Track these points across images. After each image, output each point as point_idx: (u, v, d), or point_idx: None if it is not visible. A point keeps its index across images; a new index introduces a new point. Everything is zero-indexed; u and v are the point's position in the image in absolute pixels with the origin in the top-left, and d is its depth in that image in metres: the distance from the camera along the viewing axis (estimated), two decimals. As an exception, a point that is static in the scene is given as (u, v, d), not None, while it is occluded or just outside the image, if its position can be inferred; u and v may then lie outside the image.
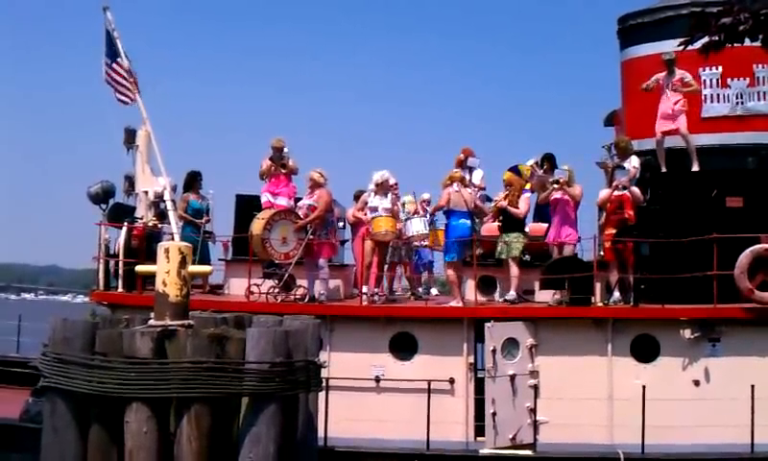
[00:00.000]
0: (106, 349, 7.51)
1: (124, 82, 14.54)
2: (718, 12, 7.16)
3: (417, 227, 14.28)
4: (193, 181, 15.35)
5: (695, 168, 14.56)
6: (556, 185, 13.81)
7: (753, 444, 12.42)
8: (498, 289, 14.35)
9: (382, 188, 14.36)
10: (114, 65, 14.63)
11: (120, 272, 14.26)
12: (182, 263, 8.16)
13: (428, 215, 15.19)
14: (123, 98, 14.58)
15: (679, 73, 14.48)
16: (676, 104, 14.54)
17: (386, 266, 14.47)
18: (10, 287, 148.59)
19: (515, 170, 14.78)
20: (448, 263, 13.84)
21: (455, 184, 13.88)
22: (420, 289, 15.97)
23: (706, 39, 7.43)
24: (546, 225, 14.52)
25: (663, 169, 14.79)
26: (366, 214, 14.60)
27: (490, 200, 15.37)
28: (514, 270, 13.80)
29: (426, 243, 14.92)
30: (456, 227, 13.75)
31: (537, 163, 15.23)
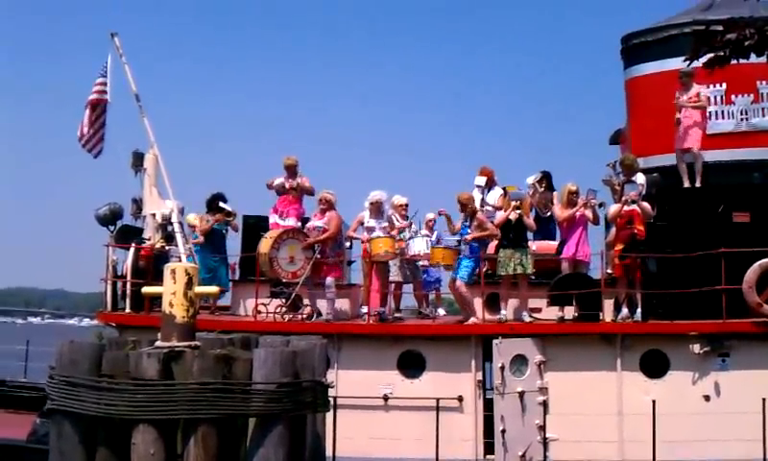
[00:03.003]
0: (113, 371, 7.47)
1: (91, 132, 15.10)
2: (723, 28, 7.16)
3: (419, 246, 14.26)
4: (213, 203, 15.43)
5: (698, 184, 14.52)
6: (590, 202, 13.86)
7: (765, 458, 12.36)
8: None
9: (376, 208, 14.39)
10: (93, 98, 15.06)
11: (128, 292, 14.31)
12: (189, 284, 8.14)
13: (432, 237, 15.15)
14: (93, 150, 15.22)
15: (695, 88, 14.45)
16: (690, 120, 14.52)
17: (391, 285, 14.46)
18: (16, 311, 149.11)
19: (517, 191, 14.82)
20: (463, 284, 13.75)
21: (480, 213, 13.92)
22: (428, 309, 15.93)
23: (711, 55, 7.42)
24: (554, 243, 14.50)
25: (686, 184, 14.73)
26: (363, 234, 14.54)
27: None
28: (525, 287, 13.76)
29: (425, 262, 14.84)
30: (477, 249, 13.78)
31: (537, 182, 15.23)
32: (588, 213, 13.97)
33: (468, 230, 13.83)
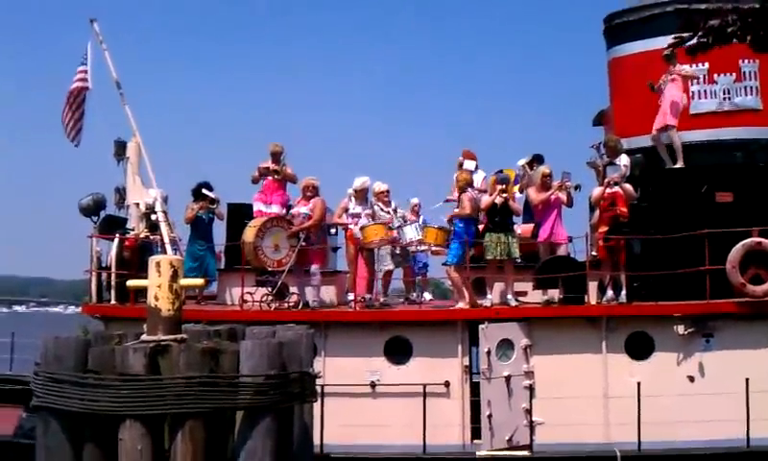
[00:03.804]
0: (98, 366, 7.47)
1: (71, 121, 15.02)
2: (706, 14, 7.17)
3: (410, 234, 14.25)
4: (197, 191, 15.35)
5: (679, 165, 14.58)
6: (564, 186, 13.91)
7: (748, 438, 12.46)
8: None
9: (362, 195, 14.36)
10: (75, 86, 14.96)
11: (112, 284, 14.24)
12: (174, 277, 8.13)
13: (418, 222, 15.15)
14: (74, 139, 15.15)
15: (678, 67, 14.46)
16: (673, 98, 14.52)
17: (380, 272, 14.46)
18: (1, 300, 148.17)
19: (500, 174, 14.84)
20: (453, 266, 13.79)
21: (469, 189, 13.89)
22: (414, 294, 15.96)
23: (694, 40, 7.44)
24: (531, 225, 14.54)
25: (669, 164, 14.79)
26: (347, 220, 14.49)
27: None
28: (509, 271, 13.80)
29: (423, 248, 14.84)
30: (469, 233, 13.71)
31: (527, 164, 15.27)
32: (563, 196, 14.02)
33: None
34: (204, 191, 15.27)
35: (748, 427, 12.42)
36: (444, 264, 14.11)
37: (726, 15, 7.05)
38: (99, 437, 7.39)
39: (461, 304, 13.72)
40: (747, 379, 12.50)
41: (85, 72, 15.38)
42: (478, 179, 15.50)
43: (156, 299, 8.08)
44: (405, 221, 14.80)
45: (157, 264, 8.16)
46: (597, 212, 13.99)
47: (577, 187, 14.15)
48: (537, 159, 15.26)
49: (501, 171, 14.68)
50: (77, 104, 15.44)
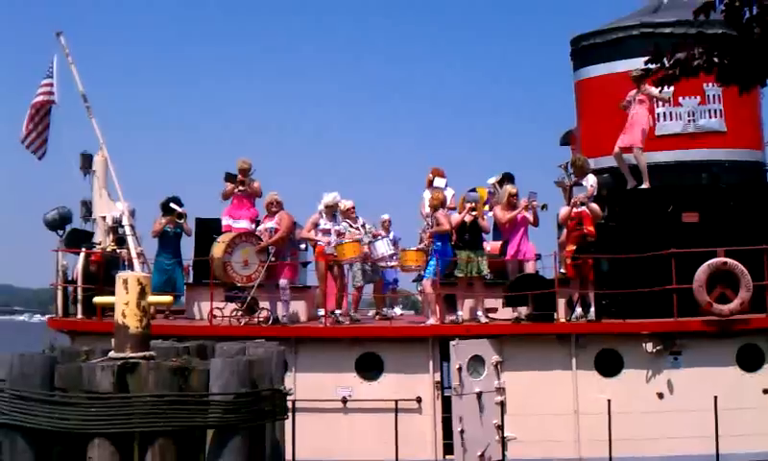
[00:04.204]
0: (66, 384, 7.29)
1: (34, 134, 14.89)
2: (672, 48, 7.30)
3: (382, 249, 14.30)
4: (165, 205, 15.21)
5: (645, 185, 14.76)
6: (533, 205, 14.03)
7: (718, 454, 12.64)
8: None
9: (332, 210, 14.36)
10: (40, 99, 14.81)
11: (79, 298, 14.01)
12: (142, 293, 7.99)
13: (388, 237, 15.17)
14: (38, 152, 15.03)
15: (645, 89, 14.64)
16: (637, 117, 14.69)
17: (352, 287, 14.44)
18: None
19: (471, 192, 14.91)
20: (429, 281, 13.77)
21: (441, 208, 13.93)
22: (385, 309, 15.94)
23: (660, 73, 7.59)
24: (498, 243, 14.63)
25: (631, 183, 14.93)
26: (318, 236, 14.45)
27: None
28: (479, 288, 13.83)
29: (394, 263, 14.85)
30: (446, 249, 13.77)
31: (497, 183, 15.36)
32: (529, 215, 14.13)
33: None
34: (172, 205, 15.15)
35: (717, 444, 12.58)
36: (416, 280, 14.15)
37: (692, 49, 7.18)
38: (67, 456, 7.20)
39: (432, 320, 13.74)
40: (715, 396, 12.66)
41: (51, 85, 15.21)
42: (448, 196, 15.55)
43: (124, 316, 7.93)
44: (374, 237, 14.81)
45: (125, 281, 8.01)
46: (565, 231, 14.12)
47: (543, 207, 14.27)
48: (507, 178, 15.36)
49: (474, 189, 14.74)
50: (40, 117, 15.25)
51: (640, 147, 14.71)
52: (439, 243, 13.78)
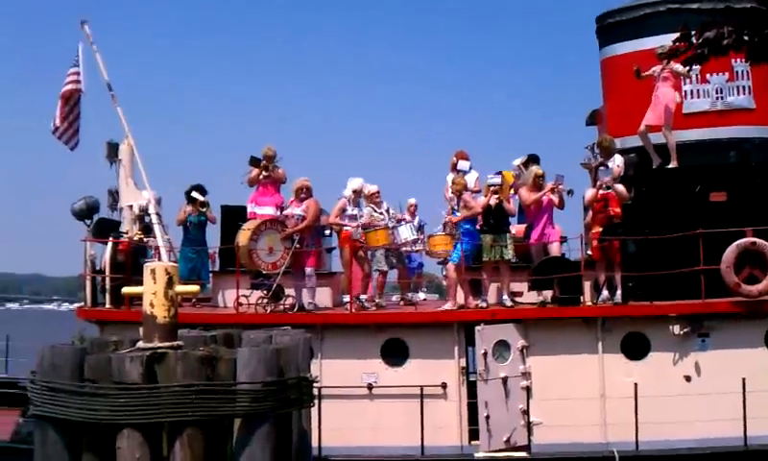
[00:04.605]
0: (95, 375, 7.41)
1: (66, 124, 14.95)
2: (702, 26, 7.18)
3: (405, 234, 14.30)
4: (188, 194, 15.33)
5: (673, 165, 14.59)
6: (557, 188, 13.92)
7: (746, 436, 12.55)
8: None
9: (358, 196, 14.37)
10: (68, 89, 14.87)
11: (107, 288, 14.16)
12: (169, 283, 8.07)
13: (413, 222, 15.16)
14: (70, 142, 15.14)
15: (669, 65, 14.42)
16: (665, 97, 14.53)
17: (375, 273, 14.45)
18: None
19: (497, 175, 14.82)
20: (452, 265, 13.73)
21: (467, 194, 13.88)
22: (410, 294, 15.95)
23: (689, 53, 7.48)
24: (523, 226, 14.54)
25: (656, 162, 14.78)
26: (344, 221, 14.48)
27: None
28: (506, 273, 13.78)
29: (419, 247, 14.85)
30: (475, 233, 13.73)
31: (522, 164, 15.26)
32: (555, 198, 13.98)
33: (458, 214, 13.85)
34: (194, 194, 15.25)
35: (745, 426, 12.49)
36: (441, 263, 14.15)
37: (721, 27, 7.07)
38: (97, 446, 7.33)
39: (449, 304, 13.73)
40: (743, 378, 12.56)
41: (78, 73, 15.28)
42: (472, 179, 15.49)
43: (152, 306, 8.02)
44: (398, 222, 14.81)
45: (152, 271, 8.10)
46: (590, 213, 14.00)
47: (570, 192, 14.12)
48: (532, 160, 15.26)
49: (499, 172, 14.67)
50: (70, 107, 15.34)
51: (668, 125, 14.53)
52: (468, 226, 13.73)
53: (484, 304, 13.69)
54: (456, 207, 13.87)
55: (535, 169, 14.27)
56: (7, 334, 17.73)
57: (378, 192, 15.00)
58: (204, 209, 15.26)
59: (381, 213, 14.82)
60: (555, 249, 14.05)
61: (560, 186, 14.00)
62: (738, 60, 14.97)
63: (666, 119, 14.54)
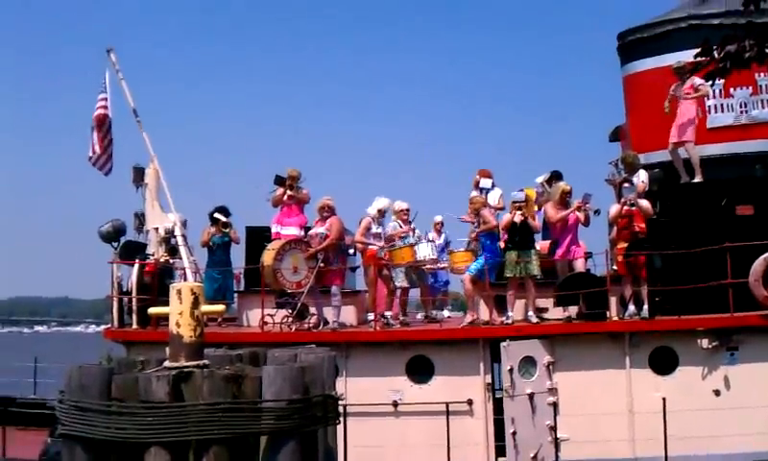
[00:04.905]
0: (122, 394, 7.46)
1: (100, 152, 15.13)
2: (723, 40, 7.15)
3: (424, 251, 14.34)
4: (211, 215, 15.50)
5: (698, 179, 14.50)
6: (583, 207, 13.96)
7: None
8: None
9: (382, 216, 14.47)
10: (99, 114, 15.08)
11: (134, 308, 14.32)
12: (195, 303, 8.13)
13: (440, 240, 15.19)
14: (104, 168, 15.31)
15: (689, 81, 14.42)
16: (688, 114, 14.50)
17: (398, 291, 14.48)
18: (22, 320, 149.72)
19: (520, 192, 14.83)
20: (468, 276, 13.76)
21: (485, 209, 13.90)
22: (434, 312, 15.94)
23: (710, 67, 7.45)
24: (548, 242, 14.51)
25: (684, 178, 14.71)
26: (369, 240, 14.54)
27: None
28: (532, 289, 13.74)
29: (443, 265, 14.89)
30: (494, 249, 13.76)
31: (546, 181, 15.25)
32: (581, 216, 13.97)
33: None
34: (216, 215, 15.42)
35: None
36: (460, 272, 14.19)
37: (742, 40, 7.04)
38: (124, 464, 7.39)
39: (468, 318, 13.70)
40: None
41: (106, 99, 15.54)
42: (495, 196, 15.52)
43: (178, 326, 8.08)
44: (420, 239, 14.85)
45: (179, 291, 8.16)
46: (615, 229, 13.95)
47: (596, 211, 14.16)
48: (555, 176, 15.27)
49: (522, 190, 14.69)
50: (103, 133, 15.56)
51: (692, 141, 14.46)
52: (488, 241, 13.73)
53: (509, 321, 13.64)
54: (476, 225, 13.90)
55: (562, 185, 14.25)
56: (35, 356, 17.97)
57: (408, 210, 15.07)
58: (227, 230, 15.41)
59: (406, 231, 14.88)
60: (579, 265, 14.04)
61: (587, 205, 13.98)
62: (762, 74, 14.98)
63: (691, 135, 14.47)
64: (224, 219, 15.37)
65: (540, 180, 15.51)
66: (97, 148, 15.36)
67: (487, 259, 13.62)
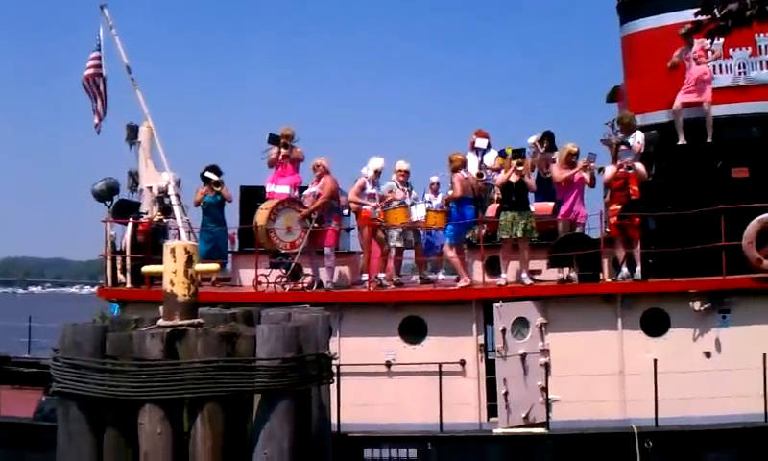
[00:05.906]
0: (116, 352, 7.52)
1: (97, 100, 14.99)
2: None
3: (420, 212, 14.34)
4: (202, 174, 15.44)
5: (709, 140, 14.45)
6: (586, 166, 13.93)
7: (766, 413, 12.47)
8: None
9: (378, 176, 14.42)
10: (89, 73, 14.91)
11: (127, 268, 14.28)
12: (189, 262, 8.15)
13: (437, 200, 15.15)
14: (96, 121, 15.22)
15: (698, 43, 14.28)
16: (703, 75, 14.44)
17: (392, 251, 14.48)
18: (17, 281, 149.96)
19: (502, 153, 14.83)
20: (449, 246, 13.80)
21: (461, 171, 13.84)
22: (428, 274, 15.95)
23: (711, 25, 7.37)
24: (551, 204, 14.49)
25: (681, 140, 14.66)
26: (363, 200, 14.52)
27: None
28: (526, 251, 13.74)
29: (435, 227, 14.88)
30: (462, 213, 13.75)
31: (538, 141, 15.19)
32: (586, 176, 13.95)
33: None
34: (207, 174, 15.33)
35: (766, 402, 12.42)
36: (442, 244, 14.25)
37: None
38: (119, 422, 7.45)
39: (462, 283, 13.73)
40: (765, 355, 12.48)
41: (99, 58, 15.36)
42: (490, 157, 15.46)
43: (172, 284, 8.11)
44: (416, 200, 14.81)
45: (172, 250, 8.18)
46: (609, 191, 13.92)
47: (600, 170, 14.12)
48: (547, 137, 15.21)
49: (504, 150, 14.63)
50: (97, 90, 15.40)
51: (709, 100, 14.41)
52: (453, 206, 13.74)
53: (502, 282, 13.67)
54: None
55: (569, 146, 14.16)
56: (29, 316, 17.98)
57: (407, 171, 15.02)
58: (219, 189, 15.33)
59: (403, 191, 14.84)
60: (578, 227, 14.03)
61: (591, 166, 13.95)
62: (762, 34, 14.82)
63: (707, 95, 14.42)
64: (215, 177, 15.27)
65: (532, 140, 15.41)
66: (101, 112, 15.26)
67: (453, 225, 13.64)
